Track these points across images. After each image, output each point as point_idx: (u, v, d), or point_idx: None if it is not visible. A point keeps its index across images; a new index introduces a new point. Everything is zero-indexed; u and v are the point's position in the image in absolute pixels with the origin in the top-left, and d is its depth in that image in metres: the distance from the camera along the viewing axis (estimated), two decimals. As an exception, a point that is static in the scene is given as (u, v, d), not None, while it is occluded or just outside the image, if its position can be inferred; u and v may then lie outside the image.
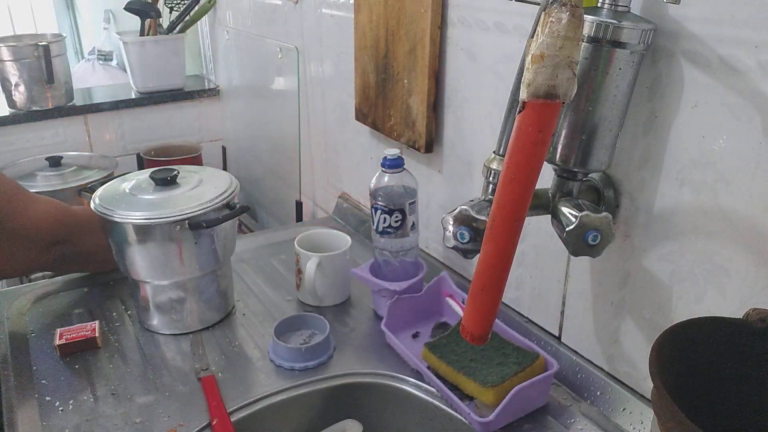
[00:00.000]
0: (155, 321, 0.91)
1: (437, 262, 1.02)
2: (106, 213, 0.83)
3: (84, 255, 0.97)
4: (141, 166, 1.71)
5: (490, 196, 0.66)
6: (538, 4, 0.56)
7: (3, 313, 0.95)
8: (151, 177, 0.88)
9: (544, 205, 0.65)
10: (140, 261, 0.85)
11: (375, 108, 1.06)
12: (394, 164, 0.87)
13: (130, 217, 0.82)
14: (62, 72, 1.67)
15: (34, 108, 1.64)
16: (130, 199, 0.85)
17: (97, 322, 0.89)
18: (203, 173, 0.92)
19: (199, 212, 0.83)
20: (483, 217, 0.62)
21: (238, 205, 0.88)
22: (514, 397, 0.69)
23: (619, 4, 0.57)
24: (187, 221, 0.82)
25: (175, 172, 0.88)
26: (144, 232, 0.83)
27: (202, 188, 0.88)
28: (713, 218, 0.59)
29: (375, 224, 0.89)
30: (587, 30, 0.56)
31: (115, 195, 0.87)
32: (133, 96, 1.80)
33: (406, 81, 0.96)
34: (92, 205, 0.85)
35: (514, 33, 0.77)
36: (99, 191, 0.88)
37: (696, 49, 0.57)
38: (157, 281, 0.88)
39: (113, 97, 1.81)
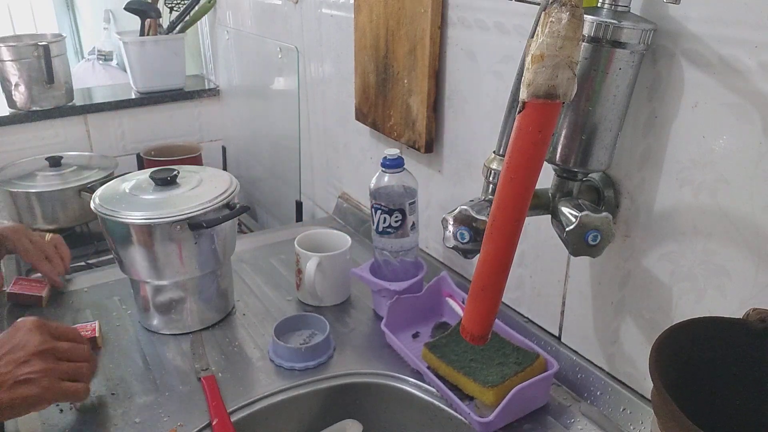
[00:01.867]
0: (155, 321, 0.91)
1: (437, 262, 1.02)
2: (106, 213, 0.83)
3: None
4: (141, 166, 1.71)
5: (490, 196, 0.66)
6: (538, 4, 0.56)
7: (3, 314, 0.95)
8: (151, 177, 0.88)
9: (544, 205, 0.65)
10: (140, 261, 0.85)
11: (375, 108, 1.06)
12: (394, 164, 0.87)
13: (131, 217, 0.82)
14: (62, 72, 1.66)
15: (34, 108, 1.64)
16: (130, 199, 0.85)
17: (97, 322, 0.89)
18: (203, 173, 0.92)
19: (199, 212, 0.83)
20: (483, 217, 0.62)
21: (238, 205, 0.88)
22: (514, 397, 0.69)
23: (619, 4, 0.57)
24: (187, 221, 0.82)
25: (175, 172, 0.88)
26: (144, 232, 0.83)
27: (202, 188, 0.88)
28: (713, 218, 0.59)
29: (375, 224, 0.89)
30: (587, 30, 0.56)
31: (115, 195, 0.87)
32: (133, 96, 1.80)
33: (406, 81, 0.96)
34: (92, 205, 0.85)
35: (514, 33, 0.77)
36: (99, 191, 0.88)
37: (696, 49, 0.57)
38: (157, 281, 0.88)
39: (113, 97, 1.81)
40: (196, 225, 0.83)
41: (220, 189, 0.88)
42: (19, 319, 0.71)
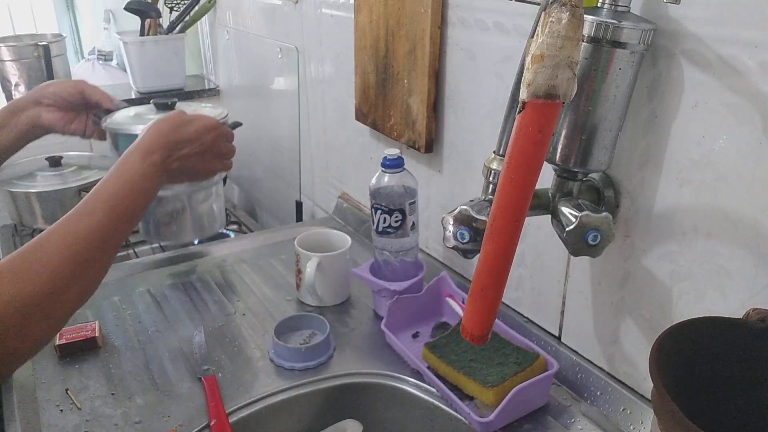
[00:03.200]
0: (160, 232, 1.07)
1: (437, 262, 1.02)
2: (118, 129, 0.98)
3: None
4: (141, 165, 1.71)
5: (490, 196, 0.66)
6: (538, 4, 0.56)
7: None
8: (154, 103, 1.04)
9: (544, 205, 0.65)
10: None
11: (375, 108, 1.06)
12: (394, 164, 0.87)
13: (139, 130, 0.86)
14: (62, 72, 1.67)
15: (34, 108, 1.64)
16: (138, 120, 1.00)
17: (97, 322, 0.89)
18: (196, 105, 1.07)
19: None
20: (483, 217, 0.63)
21: (230, 122, 0.97)
22: (514, 397, 0.69)
23: (619, 4, 0.57)
24: None
25: (175, 101, 1.04)
26: None
27: (200, 113, 0.94)
28: (713, 218, 0.59)
29: (375, 224, 0.89)
30: (587, 30, 0.56)
31: (125, 118, 1.00)
32: (133, 96, 1.80)
33: (406, 81, 0.96)
34: (103, 125, 0.98)
35: (514, 33, 0.77)
36: (108, 117, 1.01)
37: (696, 49, 0.57)
38: (161, 192, 0.96)
39: (113, 97, 1.81)
40: None
41: (215, 112, 1.01)
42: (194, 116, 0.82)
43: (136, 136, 0.83)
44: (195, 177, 0.85)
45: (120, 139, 0.99)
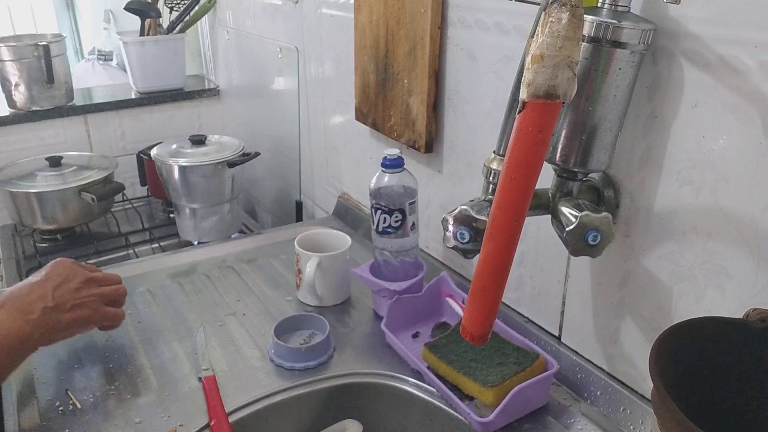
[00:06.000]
0: (199, 232, 1.41)
1: (437, 262, 1.02)
2: (166, 162, 1.34)
3: None
4: (141, 166, 1.71)
5: (490, 196, 0.66)
6: (538, 4, 0.56)
7: (3, 313, 0.95)
8: (189, 139, 1.40)
9: (544, 205, 0.65)
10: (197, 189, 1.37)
11: (375, 108, 1.06)
12: (394, 164, 0.87)
13: (181, 162, 1.35)
14: (62, 72, 1.66)
15: (34, 108, 1.64)
16: (178, 154, 1.36)
17: (97, 322, 0.89)
18: (217, 137, 1.43)
19: (234, 156, 1.38)
20: (483, 217, 0.63)
21: (253, 153, 1.41)
22: (514, 397, 0.69)
23: (619, 4, 0.57)
24: (227, 162, 1.36)
25: (205, 136, 1.42)
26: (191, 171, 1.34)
27: (223, 145, 1.39)
28: (713, 218, 0.59)
29: (375, 224, 0.89)
30: (587, 30, 0.56)
31: (168, 151, 1.37)
32: (133, 96, 1.80)
33: (406, 81, 0.96)
34: (152, 154, 1.35)
35: (514, 33, 0.77)
36: (154, 151, 1.39)
37: (696, 49, 0.57)
38: (196, 204, 1.38)
39: (113, 97, 1.81)
40: (232, 164, 1.37)
41: (235, 144, 1.41)
42: (55, 260, 0.81)
43: (175, 166, 1.34)
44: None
45: (164, 168, 1.37)
